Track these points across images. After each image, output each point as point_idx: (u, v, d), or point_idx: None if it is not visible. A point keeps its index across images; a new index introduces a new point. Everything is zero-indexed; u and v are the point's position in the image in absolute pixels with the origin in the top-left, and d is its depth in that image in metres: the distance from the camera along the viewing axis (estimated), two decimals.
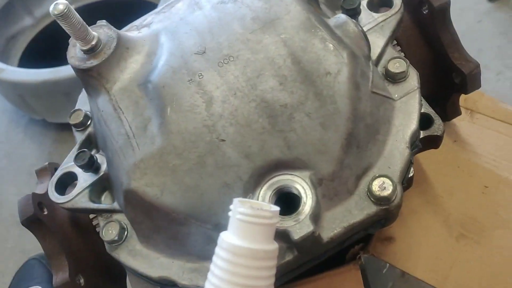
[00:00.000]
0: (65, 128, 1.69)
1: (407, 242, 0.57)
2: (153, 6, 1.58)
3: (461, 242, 0.57)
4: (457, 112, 0.65)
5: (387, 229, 0.57)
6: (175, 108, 0.45)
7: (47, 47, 1.85)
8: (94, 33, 0.50)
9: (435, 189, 0.61)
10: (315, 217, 0.42)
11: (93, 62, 0.49)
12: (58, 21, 0.46)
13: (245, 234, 0.36)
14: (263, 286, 0.37)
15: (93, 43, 0.49)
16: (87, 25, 0.49)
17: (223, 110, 0.44)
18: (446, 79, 0.59)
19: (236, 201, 0.37)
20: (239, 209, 0.36)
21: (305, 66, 0.44)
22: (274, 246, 0.37)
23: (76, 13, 0.47)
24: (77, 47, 0.50)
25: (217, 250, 0.37)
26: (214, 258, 0.37)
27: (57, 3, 0.45)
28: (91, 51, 0.49)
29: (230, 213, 0.37)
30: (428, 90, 0.63)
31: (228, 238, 0.36)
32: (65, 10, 0.45)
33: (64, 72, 1.42)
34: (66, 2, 0.45)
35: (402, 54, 0.58)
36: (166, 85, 0.46)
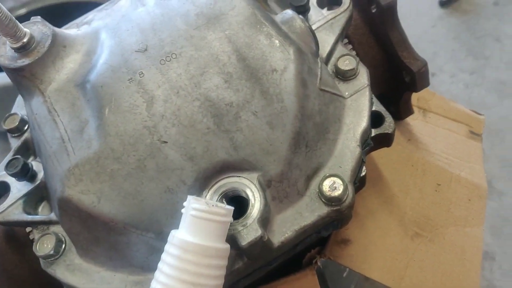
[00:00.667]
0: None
1: (364, 244, 0.56)
2: None
3: (416, 241, 0.57)
4: (410, 111, 0.66)
5: (343, 231, 0.56)
6: (113, 109, 0.42)
7: None
8: (26, 30, 0.46)
9: (391, 189, 0.60)
10: (264, 220, 0.40)
11: (24, 61, 0.45)
12: None
13: (197, 230, 0.35)
14: (212, 285, 0.35)
15: (25, 40, 0.45)
16: (17, 21, 0.45)
17: (165, 110, 0.41)
18: (397, 78, 0.59)
19: (190, 197, 0.36)
20: (193, 205, 0.35)
21: (250, 63, 0.42)
22: (226, 245, 0.36)
23: (4, 8, 0.43)
24: (7, 45, 0.47)
25: (167, 247, 0.36)
26: (163, 255, 0.36)
27: None
28: (22, 49, 0.46)
29: (183, 210, 0.36)
30: (381, 89, 0.63)
31: (179, 234, 0.35)
32: None
33: None
34: None
35: (354, 52, 0.58)
36: (104, 85, 0.43)
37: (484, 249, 1.22)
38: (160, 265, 0.36)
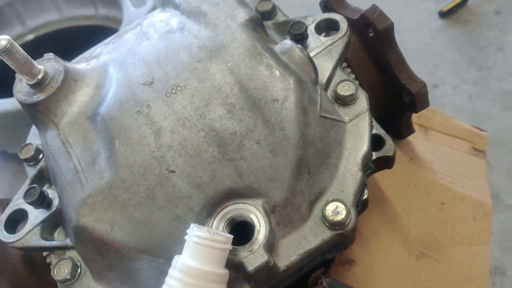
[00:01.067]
0: None
1: (368, 264, 0.57)
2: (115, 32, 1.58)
3: (421, 260, 0.58)
4: (411, 130, 0.67)
5: (348, 252, 0.57)
6: (123, 141, 0.44)
7: (10, 76, 1.82)
8: (40, 66, 0.49)
9: (394, 209, 0.61)
10: (270, 246, 0.41)
11: (40, 97, 0.48)
12: (1, 57, 0.44)
13: (199, 256, 0.37)
14: None
15: (39, 77, 0.48)
16: (32, 59, 0.48)
17: (172, 140, 0.43)
18: (397, 99, 0.60)
19: (193, 225, 0.38)
20: (196, 232, 0.37)
21: (252, 94, 0.44)
22: (225, 271, 0.38)
23: (20, 48, 0.46)
24: (23, 81, 0.49)
25: (171, 271, 0.38)
26: (167, 279, 0.38)
27: None
28: (37, 85, 0.48)
29: (186, 237, 0.38)
30: (381, 109, 0.64)
31: (182, 259, 0.37)
32: (8, 46, 0.44)
33: None
34: (9, 37, 0.44)
35: (353, 76, 0.60)
36: (113, 118, 0.45)
37: (493, 264, 1.21)
38: (164, 286, 0.38)
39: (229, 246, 0.38)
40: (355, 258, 0.57)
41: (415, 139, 0.70)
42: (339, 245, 0.46)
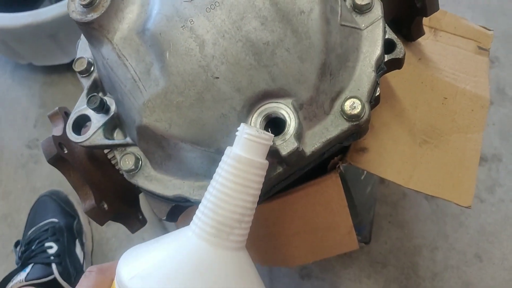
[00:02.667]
0: (53, 70, 1.73)
1: (379, 152, 0.67)
2: None
3: (423, 147, 0.68)
4: (421, 33, 0.73)
5: (361, 141, 0.67)
6: (172, 53, 0.52)
7: None
8: None
9: (402, 104, 0.70)
10: (299, 135, 0.51)
11: (93, 15, 0.54)
12: None
13: (249, 149, 0.46)
14: (256, 188, 0.47)
15: None
16: None
17: (214, 51, 0.51)
18: (410, 4, 0.66)
19: (244, 124, 0.47)
20: (246, 130, 0.46)
21: (281, 7, 0.51)
22: (266, 161, 0.48)
23: None
24: (76, 1, 0.56)
25: (225, 158, 0.47)
26: (221, 164, 0.47)
27: None
28: (89, 5, 0.54)
29: (237, 133, 0.47)
30: (395, 14, 0.70)
31: (235, 150, 0.46)
32: None
33: (45, 14, 1.42)
34: None
35: None
36: (162, 32, 0.52)
37: (492, 152, 1.33)
38: (219, 170, 0.47)
39: (271, 143, 0.47)
40: (368, 146, 0.67)
41: (425, 41, 0.76)
42: (355, 134, 0.56)
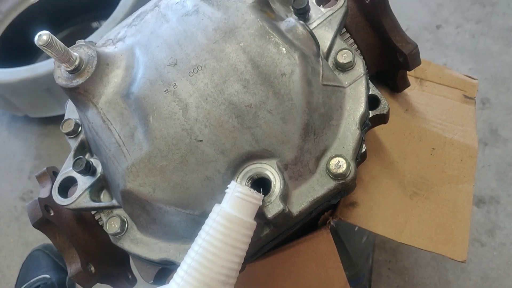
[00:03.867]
0: (49, 121, 1.75)
1: (369, 205, 0.66)
2: None
3: (414, 199, 0.67)
4: (407, 84, 0.74)
5: (351, 196, 0.67)
6: (156, 116, 0.52)
7: (18, 41, 1.87)
8: (75, 54, 0.55)
9: (391, 156, 0.70)
10: (284, 197, 0.50)
11: (78, 81, 0.55)
12: (43, 50, 0.51)
13: (239, 208, 0.46)
14: (243, 249, 0.46)
15: (76, 63, 0.55)
16: (69, 49, 0.54)
17: (197, 114, 0.51)
18: (393, 58, 0.67)
19: (234, 182, 0.48)
20: (238, 188, 0.46)
21: (263, 70, 0.51)
22: (254, 222, 0.48)
23: (58, 40, 0.52)
24: (62, 68, 0.56)
25: (213, 215, 0.46)
26: (209, 221, 0.46)
27: (40, 34, 0.50)
28: (75, 71, 0.55)
29: (227, 191, 0.47)
30: (379, 67, 0.71)
31: (226, 208, 0.46)
32: (49, 40, 0.50)
33: (41, 68, 1.46)
34: (48, 32, 0.51)
35: (352, 40, 0.66)
36: (146, 96, 0.53)
37: (489, 194, 1.32)
38: (206, 228, 0.46)
39: (261, 203, 0.47)
40: (357, 201, 0.66)
41: (411, 91, 0.77)
42: (342, 192, 0.55)
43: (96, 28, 1.74)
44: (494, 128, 1.44)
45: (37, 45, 0.51)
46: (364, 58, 0.67)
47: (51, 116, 1.65)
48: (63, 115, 0.67)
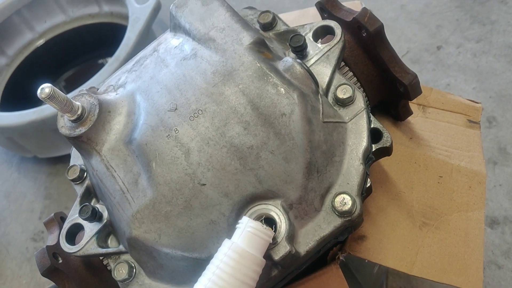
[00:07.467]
0: (57, 161, 1.76)
1: (378, 238, 0.65)
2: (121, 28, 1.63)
3: (423, 229, 0.66)
4: (409, 112, 0.73)
5: (359, 229, 0.66)
6: (159, 162, 0.52)
7: (25, 84, 1.91)
8: (77, 103, 0.56)
9: (397, 186, 0.69)
10: (290, 237, 0.50)
11: (81, 130, 0.56)
12: (46, 102, 0.52)
13: (251, 243, 0.46)
14: (251, 286, 0.46)
15: (79, 113, 0.56)
16: (71, 99, 0.55)
17: (200, 158, 0.51)
18: (393, 89, 0.67)
19: (246, 217, 0.48)
20: (251, 224, 0.46)
21: (263, 111, 0.52)
22: (264, 260, 0.47)
23: (60, 92, 0.53)
24: (65, 117, 0.57)
25: (224, 250, 0.45)
26: (219, 255, 0.45)
27: (43, 87, 0.52)
28: (78, 120, 0.56)
29: (239, 226, 0.47)
30: (380, 98, 0.71)
31: (238, 243, 0.46)
32: (51, 92, 0.52)
33: (49, 110, 1.48)
34: (51, 85, 0.52)
35: (351, 73, 0.66)
36: (148, 143, 0.53)
37: (503, 214, 1.29)
38: (215, 262, 0.45)
39: (271, 240, 0.47)
40: (366, 234, 0.65)
41: (414, 119, 0.76)
42: (349, 228, 0.55)
43: (103, 65, 1.77)
44: (502, 146, 1.43)
45: (40, 98, 0.52)
46: (364, 90, 0.67)
47: (59, 156, 1.67)
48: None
